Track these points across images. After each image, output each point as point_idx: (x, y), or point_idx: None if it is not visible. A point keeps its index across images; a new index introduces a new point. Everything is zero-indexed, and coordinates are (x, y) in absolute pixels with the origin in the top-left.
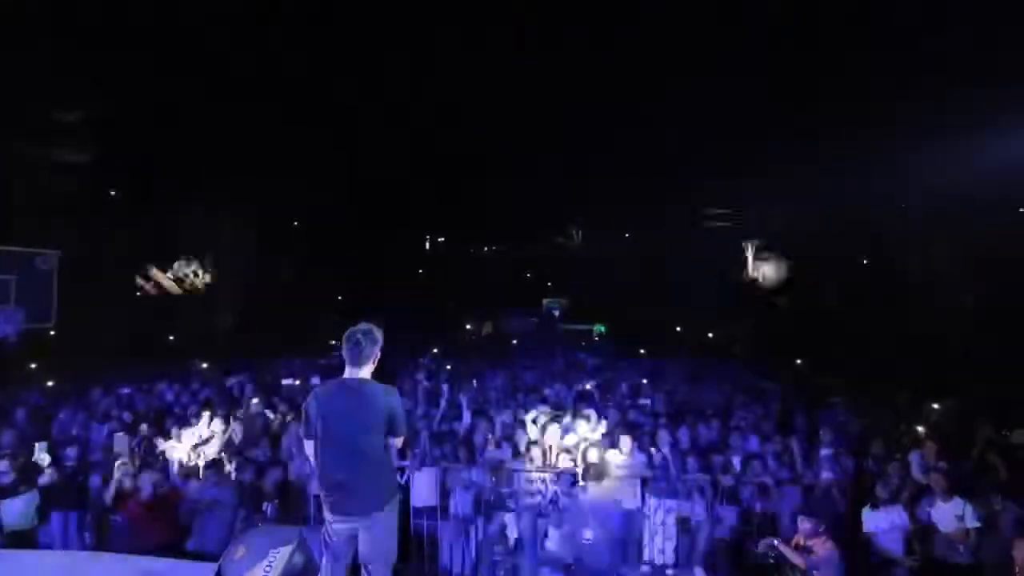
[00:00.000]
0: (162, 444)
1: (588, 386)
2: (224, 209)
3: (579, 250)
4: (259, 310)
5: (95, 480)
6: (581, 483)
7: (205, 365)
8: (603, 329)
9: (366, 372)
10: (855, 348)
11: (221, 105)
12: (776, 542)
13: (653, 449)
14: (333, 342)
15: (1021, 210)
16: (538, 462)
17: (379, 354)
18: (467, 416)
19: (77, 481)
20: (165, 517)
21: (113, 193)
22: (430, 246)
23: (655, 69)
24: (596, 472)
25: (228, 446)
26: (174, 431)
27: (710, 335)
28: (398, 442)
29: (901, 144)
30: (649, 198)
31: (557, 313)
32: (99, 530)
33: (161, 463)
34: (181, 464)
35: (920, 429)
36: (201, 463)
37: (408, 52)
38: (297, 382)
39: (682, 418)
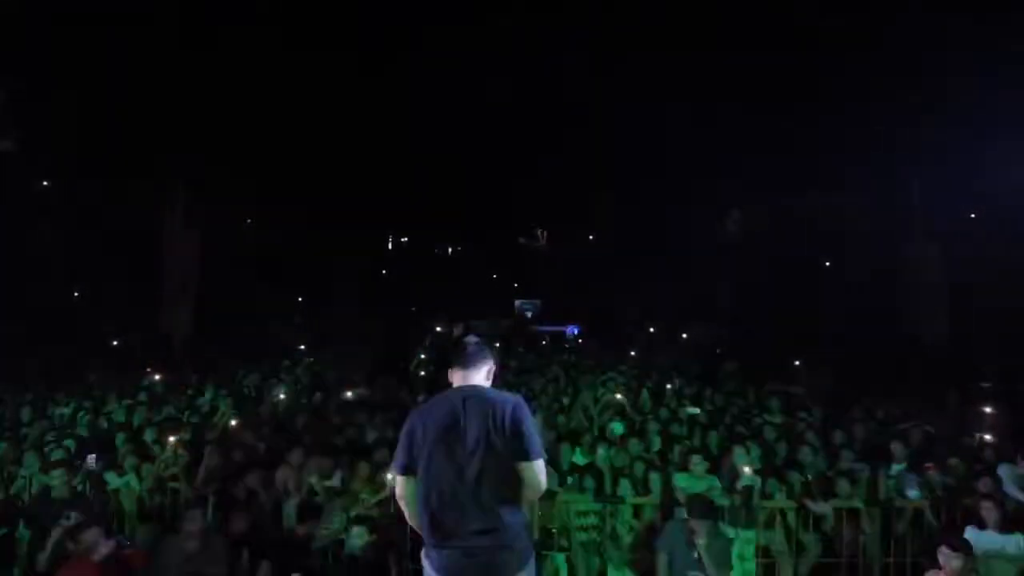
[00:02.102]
0: (115, 481)
1: (619, 396)
2: (171, 205)
3: (545, 251)
4: (212, 312)
5: (25, 535)
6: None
7: (158, 377)
8: (576, 330)
9: (479, 380)
10: (853, 348)
11: (167, 93)
12: None
13: (747, 469)
14: (302, 347)
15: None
16: (591, 490)
17: (493, 368)
18: None
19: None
20: None
21: (46, 184)
22: (393, 246)
23: (621, 68)
24: (699, 505)
25: (205, 481)
26: (128, 462)
27: (684, 335)
28: (536, 469)
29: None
30: (616, 199)
31: (530, 314)
32: None
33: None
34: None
35: (988, 437)
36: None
37: (368, 48)
38: (283, 396)
39: (738, 430)
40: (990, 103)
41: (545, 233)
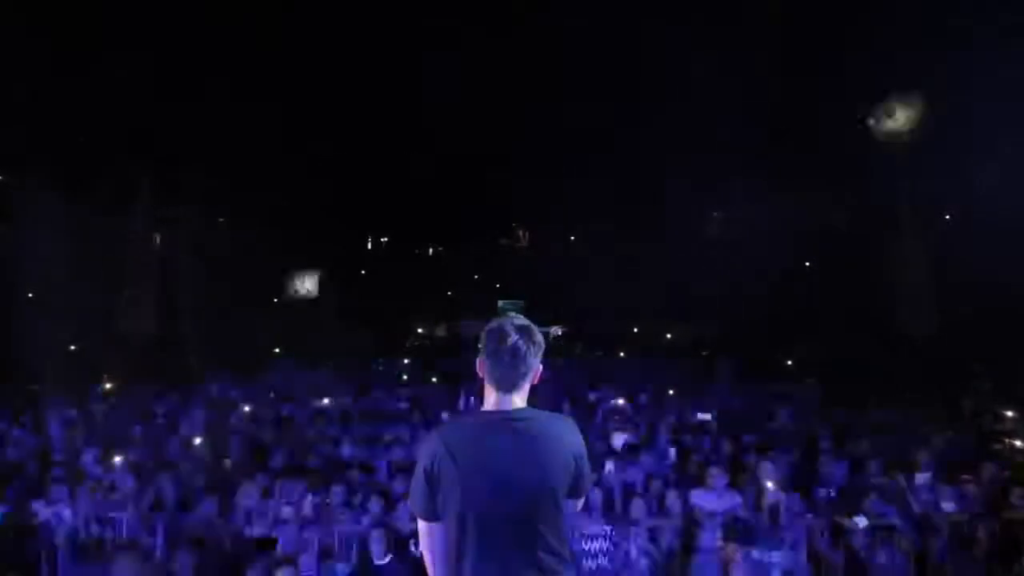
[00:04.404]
0: (43, 511)
1: (620, 401)
2: (138, 203)
3: (527, 251)
4: (180, 316)
5: None
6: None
7: (109, 386)
8: (560, 331)
9: (522, 398)
10: (845, 349)
11: (132, 82)
12: None
13: (770, 484)
14: (277, 350)
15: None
16: (599, 510)
17: (540, 369)
18: None
19: None
20: None
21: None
22: (372, 246)
23: (609, 69)
24: (738, 530)
25: (157, 510)
26: (56, 490)
27: (668, 336)
28: (578, 506)
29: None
30: (599, 199)
31: (513, 315)
32: None
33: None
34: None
35: (1019, 443)
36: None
37: (348, 44)
38: (247, 408)
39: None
40: (980, 100)
41: (527, 233)
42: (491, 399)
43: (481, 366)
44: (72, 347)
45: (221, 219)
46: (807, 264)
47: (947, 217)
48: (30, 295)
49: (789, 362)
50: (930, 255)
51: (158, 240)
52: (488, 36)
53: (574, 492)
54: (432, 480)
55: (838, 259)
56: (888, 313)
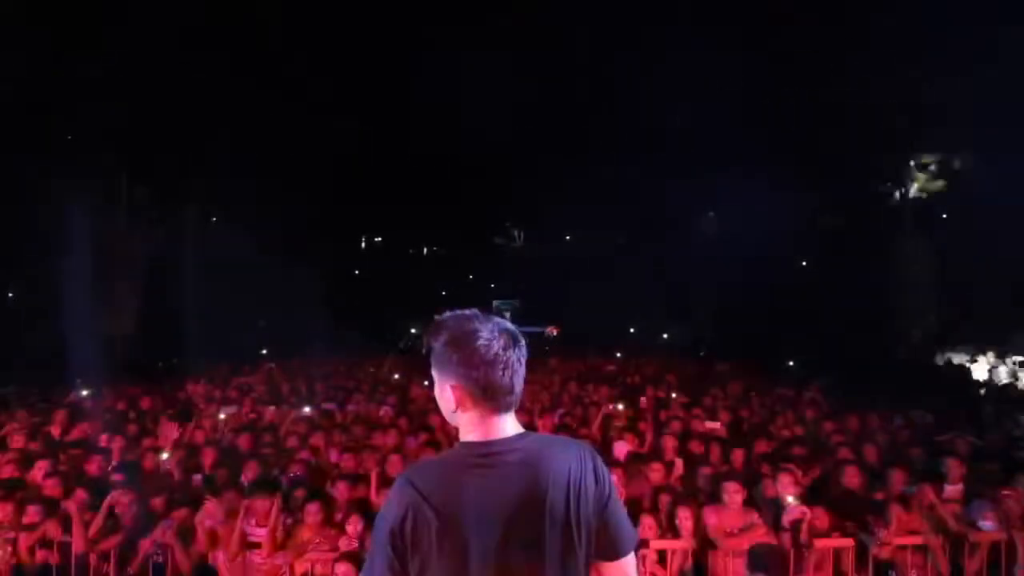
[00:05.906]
0: None
1: (620, 406)
2: (127, 204)
3: (522, 250)
4: (165, 317)
5: None
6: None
7: (85, 392)
8: (555, 331)
9: (515, 420)
10: (848, 349)
11: (126, 84)
12: None
13: (791, 499)
14: (264, 351)
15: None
16: None
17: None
18: None
19: None
20: None
21: None
22: (366, 245)
23: (608, 68)
24: (763, 558)
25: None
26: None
27: (665, 336)
28: (628, 567)
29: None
30: (595, 199)
31: (508, 315)
32: None
33: None
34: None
35: None
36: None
37: (342, 47)
38: (222, 415)
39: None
40: (980, 94)
41: (521, 233)
42: (474, 426)
43: (449, 385)
44: (51, 348)
45: (214, 219)
46: (804, 264)
47: (944, 216)
48: (10, 295)
49: (791, 363)
50: (929, 255)
51: (148, 239)
52: (484, 37)
53: (609, 548)
54: (402, 544)
55: (837, 259)
56: (888, 313)
